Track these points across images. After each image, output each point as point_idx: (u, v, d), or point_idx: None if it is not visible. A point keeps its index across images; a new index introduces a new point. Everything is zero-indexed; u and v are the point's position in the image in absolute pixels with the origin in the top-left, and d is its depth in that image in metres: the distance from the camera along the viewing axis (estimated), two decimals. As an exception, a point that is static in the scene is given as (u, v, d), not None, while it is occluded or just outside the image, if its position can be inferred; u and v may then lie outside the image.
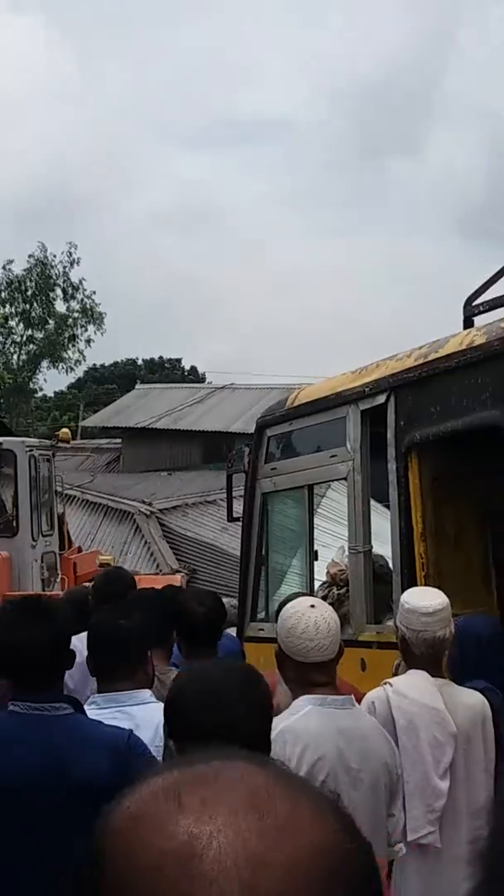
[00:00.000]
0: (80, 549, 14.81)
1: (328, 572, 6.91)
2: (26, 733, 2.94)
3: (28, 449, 12.87)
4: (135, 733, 3.12)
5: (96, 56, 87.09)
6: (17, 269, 44.35)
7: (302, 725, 3.26)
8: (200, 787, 0.72)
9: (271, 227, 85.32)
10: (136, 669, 3.58)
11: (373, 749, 3.37)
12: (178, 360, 62.60)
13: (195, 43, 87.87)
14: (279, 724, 3.06)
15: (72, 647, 3.18)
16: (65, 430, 14.31)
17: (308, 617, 3.33)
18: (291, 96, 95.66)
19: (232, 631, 6.55)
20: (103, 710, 3.39)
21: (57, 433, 14.10)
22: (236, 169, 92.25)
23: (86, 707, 3.33)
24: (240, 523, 7.84)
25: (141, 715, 3.43)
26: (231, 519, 8.47)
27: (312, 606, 3.42)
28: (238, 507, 7.95)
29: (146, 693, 3.59)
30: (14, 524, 12.54)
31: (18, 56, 75.38)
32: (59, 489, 13.67)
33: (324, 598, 5.87)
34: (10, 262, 44.18)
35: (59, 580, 12.64)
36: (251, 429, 8.16)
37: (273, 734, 2.57)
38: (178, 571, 17.60)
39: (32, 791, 2.87)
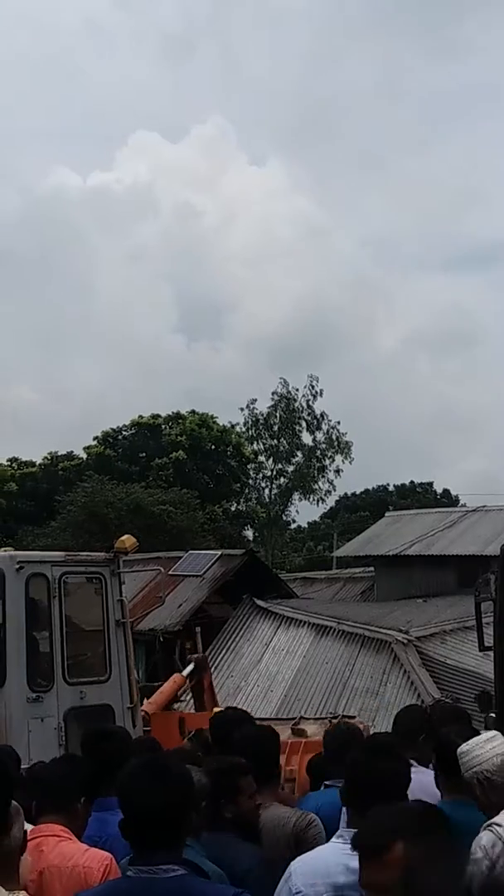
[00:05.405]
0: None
1: None
2: None
3: (19, 566, 9.57)
4: (246, 893, 3.09)
5: (340, 191, 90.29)
6: (261, 406, 45.90)
7: None
8: None
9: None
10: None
11: None
12: (430, 484, 62.26)
13: (438, 167, 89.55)
14: None
15: None
16: (126, 536, 10.75)
17: None
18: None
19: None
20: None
21: (114, 541, 10.59)
22: (488, 290, 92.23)
23: (333, 840, 3.28)
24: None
25: None
26: (483, 648, 8.25)
27: None
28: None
29: None
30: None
31: (266, 204, 79.16)
32: (123, 619, 10.32)
33: None
34: (254, 401, 45.84)
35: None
36: (505, 551, 7.97)
37: None
38: (439, 699, 17.12)
39: None
